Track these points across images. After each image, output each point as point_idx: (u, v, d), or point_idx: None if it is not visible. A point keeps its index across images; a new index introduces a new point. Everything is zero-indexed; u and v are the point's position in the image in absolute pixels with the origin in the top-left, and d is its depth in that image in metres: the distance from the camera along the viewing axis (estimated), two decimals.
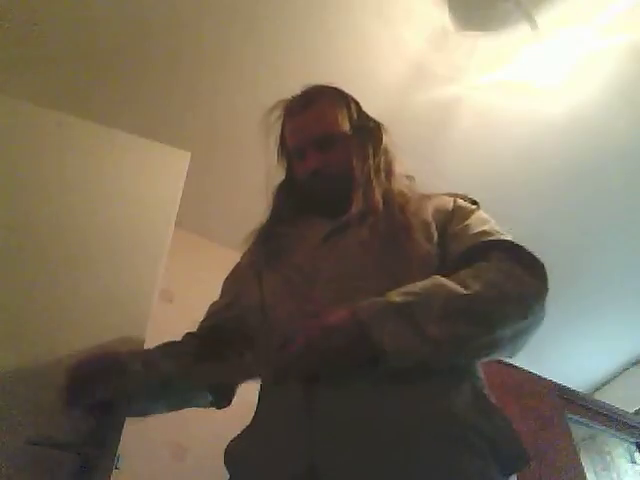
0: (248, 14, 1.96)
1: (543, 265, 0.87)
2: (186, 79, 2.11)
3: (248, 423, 0.91)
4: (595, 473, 2.33)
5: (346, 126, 1.04)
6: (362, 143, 1.04)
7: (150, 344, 1.30)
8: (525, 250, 0.89)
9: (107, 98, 2.10)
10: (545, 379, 2.26)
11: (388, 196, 0.98)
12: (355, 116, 1.07)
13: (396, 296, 0.78)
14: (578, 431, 2.26)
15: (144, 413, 1.06)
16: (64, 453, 1.05)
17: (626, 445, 2.51)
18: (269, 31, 2.00)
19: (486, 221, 0.94)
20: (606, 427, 2.42)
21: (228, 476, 0.86)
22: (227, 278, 1.16)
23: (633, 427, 2.52)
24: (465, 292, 0.79)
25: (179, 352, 1.01)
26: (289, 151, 1.10)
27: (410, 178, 1.07)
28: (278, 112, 1.10)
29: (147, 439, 1.90)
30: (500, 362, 2.00)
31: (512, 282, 0.83)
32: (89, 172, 1.46)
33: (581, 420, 2.30)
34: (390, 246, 0.90)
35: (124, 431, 1.14)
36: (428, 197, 1.01)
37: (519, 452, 0.78)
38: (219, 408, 1.05)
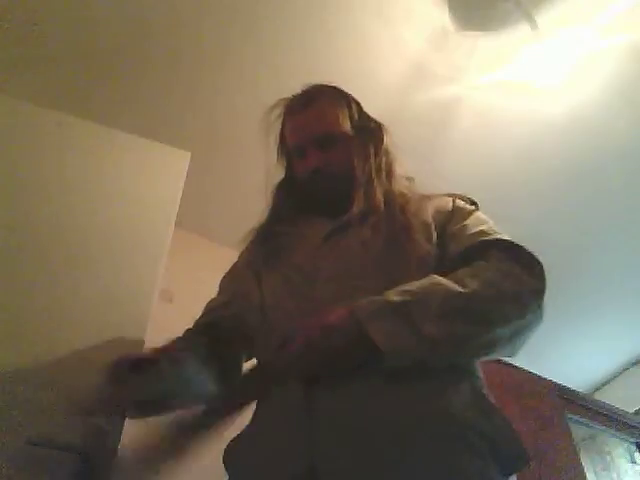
0: (248, 14, 1.95)
1: (541, 264, 0.87)
2: (186, 79, 2.11)
3: (247, 423, 0.91)
4: (595, 473, 2.33)
5: (347, 126, 1.04)
6: (363, 143, 1.04)
7: (150, 344, 1.30)
8: (523, 249, 0.89)
9: (107, 98, 2.09)
10: (545, 379, 2.26)
11: (389, 196, 0.98)
12: (356, 116, 1.07)
13: (394, 295, 0.78)
14: (578, 431, 2.26)
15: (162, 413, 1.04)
16: (64, 453, 1.05)
17: (626, 445, 2.51)
18: (269, 31, 2.00)
19: (485, 221, 0.95)
20: (606, 427, 2.42)
21: (227, 477, 0.86)
22: (225, 277, 1.16)
23: (633, 427, 2.52)
24: (463, 291, 0.79)
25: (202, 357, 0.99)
26: (289, 150, 1.10)
27: (410, 179, 1.08)
28: (278, 111, 1.10)
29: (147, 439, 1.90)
30: (500, 362, 2.00)
31: (510, 281, 0.83)
32: (89, 172, 1.46)
33: (581, 420, 2.30)
34: (391, 246, 0.90)
35: (124, 431, 1.14)
36: (428, 198, 1.02)
37: (519, 452, 0.78)
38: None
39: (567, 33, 1.98)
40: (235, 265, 1.16)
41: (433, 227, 0.93)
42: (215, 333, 1.04)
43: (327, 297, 0.86)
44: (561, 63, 2.07)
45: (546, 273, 0.87)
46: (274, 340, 0.86)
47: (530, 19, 1.90)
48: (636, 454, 2.49)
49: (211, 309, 1.10)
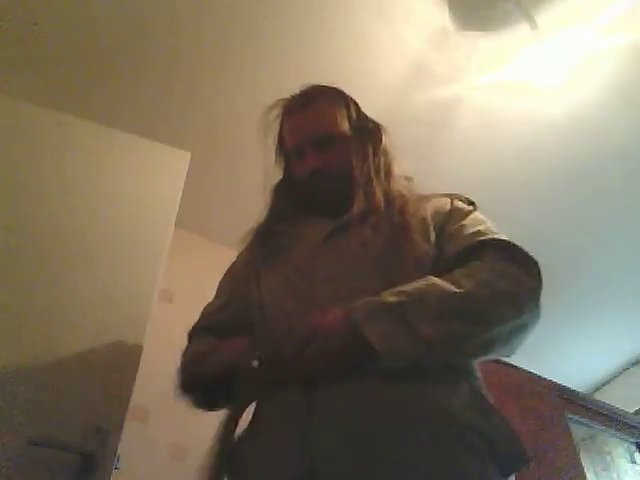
0: (248, 14, 1.95)
1: (537, 263, 0.87)
2: (186, 79, 2.11)
3: (247, 424, 0.90)
4: (595, 473, 2.33)
5: (345, 126, 1.04)
6: (362, 143, 1.04)
7: (150, 344, 1.30)
8: (519, 249, 0.89)
9: (107, 98, 2.09)
10: (545, 379, 2.26)
11: (388, 197, 0.98)
12: (354, 116, 1.07)
13: (389, 296, 0.78)
14: (578, 431, 2.26)
15: None
16: (64, 453, 1.05)
17: (626, 445, 2.51)
18: (269, 31, 2.00)
19: (482, 221, 0.94)
20: (606, 427, 2.42)
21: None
22: (223, 277, 1.16)
23: (633, 427, 2.52)
24: (458, 291, 0.79)
25: None
26: (287, 150, 1.10)
27: (409, 179, 1.07)
28: (277, 111, 1.10)
29: (147, 439, 1.90)
30: (499, 362, 2.00)
31: (506, 281, 0.83)
32: (89, 172, 1.46)
33: (581, 420, 2.30)
34: (390, 247, 0.90)
35: (124, 431, 1.14)
36: (426, 198, 1.01)
37: (518, 452, 0.78)
38: None
39: (567, 33, 1.98)
40: (234, 265, 1.16)
41: (432, 227, 0.93)
42: (215, 336, 1.04)
43: (327, 297, 0.86)
44: (561, 63, 2.07)
45: (544, 273, 0.87)
46: (272, 340, 0.86)
47: (530, 19, 1.90)
48: (636, 454, 2.49)
49: (208, 313, 1.10)
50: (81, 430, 1.08)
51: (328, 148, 1.02)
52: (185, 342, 1.06)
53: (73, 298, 1.27)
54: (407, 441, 0.71)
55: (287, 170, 1.13)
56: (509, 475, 0.77)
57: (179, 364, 0.99)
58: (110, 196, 1.45)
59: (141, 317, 1.30)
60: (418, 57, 2.07)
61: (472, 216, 0.96)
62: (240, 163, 2.30)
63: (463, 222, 0.94)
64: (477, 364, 0.88)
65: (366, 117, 1.10)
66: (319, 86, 1.11)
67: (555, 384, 2.27)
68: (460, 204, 1.00)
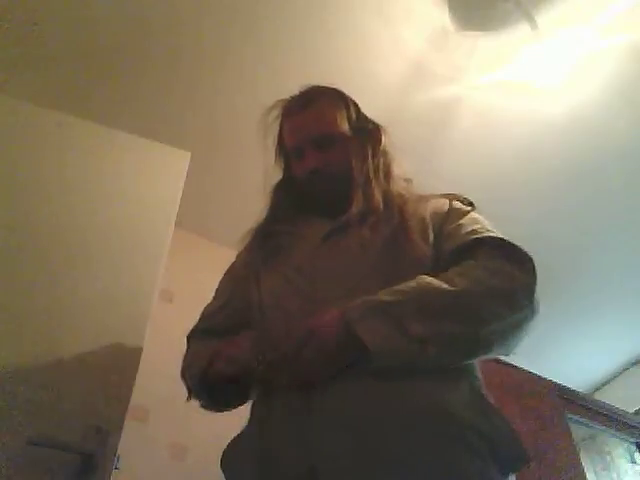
0: (248, 14, 1.95)
1: (531, 259, 0.87)
2: (186, 79, 2.11)
3: (246, 425, 0.90)
4: (595, 473, 2.33)
5: (345, 127, 1.05)
6: (361, 144, 1.04)
7: (150, 344, 1.30)
8: (513, 246, 0.89)
9: (107, 98, 2.09)
10: (545, 379, 2.26)
11: (387, 197, 0.98)
12: (354, 117, 1.07)
13: (382, 295, 0.79)
14: (578, 431, 2.25)
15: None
16: (64, 453, 1.06)
17: (626, 445, 2.51)
18: (269, 31, 2.00)
19: (478, 221, 0.94)
20: (606, 427, 2.42)
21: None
22: (223, 277, 1.16)
23: (633, 427, 2.52)
24: (450, 289, 0.79)
25: None
26: (287, 151, 1.10)
27: (408, 180, 1.08)
28: (276, 112, 1.10)
29: (147, 439, 1.90)
30: (500, 362, 2.00)
31: (499, 278, 0.83)
32: (89, 172, 1.46)
33: (581, 420, 2.30)
34: (389, 247, 0.90)
35: (124, 431, 1.14)
36: (425, 199, 1.02)
37: (518, 452, 0.78)
38: None
39: (567, 33, 1.98)
40: (233, 265, 1.16)
41: (430, 228, 0.94)
42: (215, 340, 1.04)
43: (327, 297, 0.86)
44: (561, 63, 2.07)
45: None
46: (271, 342, 0.86)
47: (530, 19, 1.90)
48: (636, 454, 2.49)
49: (207, 315, 1.10)
50: (81, 430, 1.08)
51: (328, 148, 1.02)
52: (185, 344, 1.07)
53: (73, 298, 1.27)
54: (407, 441, 0.71)
55: (287, 170, 1.13)
56: (509, 474, 0.77)
57: (181, 369, 0.98)
58: (110, 196, 1.45)
59: (141, 317, 1.30)
60: (418, 57, 2.07)
61: (469, 216, 0.96)
62: (240, 163, 2.30)
63: (460, 222, 0.94)
64: (477, 364, 0.88)
65: (366, 118, 1.11)
66: (319, 87, 1.11)
67: (555, 384, 2.27)
68: (458, 204, 1.00)
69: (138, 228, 1.43)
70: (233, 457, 0.87)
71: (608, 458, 2.44)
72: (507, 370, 2.08)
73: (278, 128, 1.10)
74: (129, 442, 1.24)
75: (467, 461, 0.71)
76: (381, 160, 1.04)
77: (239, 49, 2.04)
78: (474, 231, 0.91)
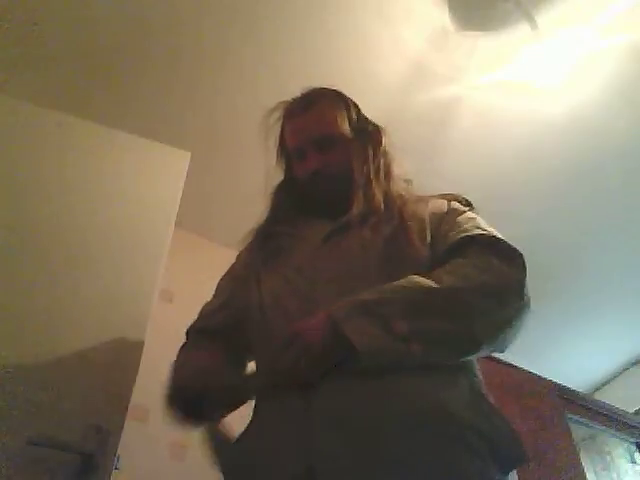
0: (248, 14, 1.96)
1: (521, 255, 0.87)
2: (186, 79, 2.11)
3: (247, 424, 0.90)
4: (595, 473, 2.33)
5: (346, 128, 1.05)
6: (362, 145, 1.04)
7: (150, 344, 1.30)
8: (502, 242, 0.89)
9: (107, 98, 2.09)
10: (545, 379, 2.26)
11: (387, 198, 0.98)
12: (355, 118, 1.08)
13: (369, 294, 0.79)
14: (578, 431, 2.26)
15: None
16: (64, 453, 1.05)
17: (626, 445, 2.51)
18: (269, 31, 2.00)
19: (471, 220, 0.94)
20: (606, 427, 2.42)
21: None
22: (222, 278, 1.16)
23: (633, 427, 2.52)
24: (437, 287, 0.79)
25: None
26: (288, 152, 1.11)
27: (408, 181, 1.08)
28: (278, 113, 1.10)
29: (147, 439, 1.90)
30: (500, 362, 2.00)
31: (488, 274, 0.83)
32: (89, 172, 1.46)
33: (581, 420, 2.30)
34: (390, 247, 0.90)
35: (124, 431, 1.14)
36: (425, 199, 1.02)
37: (518, 452, 0.78)
38: None
39: (567, 33, 1.98)
40: (233, 266, 1.16)
41: (428, 229, 0.94)
42: (213, 339, 1.04)
43: (327, 298, 0.86)
44: (561, 63, 2.07)
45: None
46: (272, 341, 0.86)
47: (530, 19, 1.90)
48: (636, 454, 2.49)
49: (206, 314, 1.10)
50: (81, 430, 1.08)
51: (329, 150, 1.02)
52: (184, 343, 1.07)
53: (73, 298, 1.27)
54: (407, 441, 0.71)
55: (288, 172, 1.13)
56: (509, 473, 0.77)
57: (169, 372, 0.97)
58: (110, 196, 1.44)
59: (141, 317, 1.30)
60: (418, 57, 2.07)
61: (464, 215, 0.96)
62: (240, 163, 2.31)
63: (454, 222, 0.94)
64: (476, 363, 0.88)
65: (366, 119, 1.11)
66: (320, 89, 1.11)
67: (555, 384, 2.27)
68: (457, 205, 1.00)
69: (138, 228, 1.43)
70: (233, 459, 0.87)
71: (608, 458, 2.44)
72: (507, 370, 2.08)
73: (280, 130, 1.11)
74: (129, 442, 1.23)
75: (467, 461, 0.71)
76: (381, 161, 1.05)
77: (239, 49, 2.04)
78: (465, 229, 0.91)
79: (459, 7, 1.93)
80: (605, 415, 2.42)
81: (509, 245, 0.89)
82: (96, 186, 1.45)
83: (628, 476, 2.42)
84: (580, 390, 2.69)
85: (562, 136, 2.32)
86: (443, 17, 1.96)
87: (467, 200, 1.04)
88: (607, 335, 3.28)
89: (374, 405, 0.75)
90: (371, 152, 1.04)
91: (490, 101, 2.19)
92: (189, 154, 1.62)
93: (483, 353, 0.83)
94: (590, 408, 2.37)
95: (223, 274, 1.17)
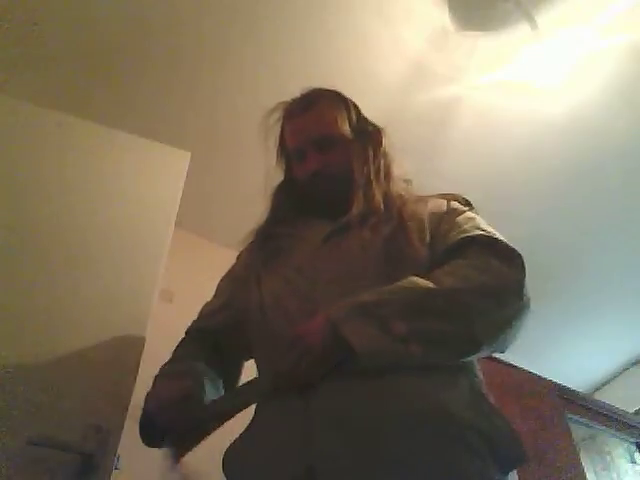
0: (248, 14, 1.96)
1: (520, 256, 0.87)
2: (186, 79, 2.11)
3: (244, 423, 0.90)
4: (595, 473, 2.33)
5: (346, 128, 1.05)
6: (362, 146, 1.04)
7: (150, 344, 1.30)
8: (501, 242, 0.89)
9: (107, 98, 2.09)
10: (545, 379, 2.26)
11: (387, 198, 0.98)
12: (355, 119, 1.08)
13: (368, 295, 0.79)
14: (578, 431, 2.26)
15: None
16: (64, 453, 1.05)
17: (626, 445, 2.51)
18: (269, 31, 2.00)
19: (470, 219, 0.94)
20: (606, 427, 2.42)
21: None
22: (223, 278, 1.16)
23: (633, 427, 2.52)
24: (436, 288, 0.79)
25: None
26: (288, 152, 1.11)
27: (407, 181, 1.08)
28: (278, 114, 1.10)
29: None
30: (500, 362, 2.00)
31: (487, 275, 0.83)
32: (89, 172, 1.46)
33: (581, 420, 2.30)
34: (389, 248, 0.90)
35: (124, 431, 1.14)
36: (425, 199, 1.02)
37: (518, 452, 0.78)
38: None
39: (567, 33, 1.98)
40: (233, 267, 1.16)
41: (427, 229, 0.94)
42: (211, 339, 1.04)
43: (327, 298, 0.86)
44: (561, 63, 2.07)
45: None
46: (273, 342, 0.86)
47: (530, 19, 1.90)
48: (636, 454, 2.49)
49: (206, 314, 1.10)
50: (81, 430, 1.08)
51: (329, 150, 1.02)
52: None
53: (73, 298, 1.27)
54: (407, 441, 0.71)
55: (288, 172, 1.13)
56: (508, 473, 0.77)
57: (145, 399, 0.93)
58: (110, 196, 1.44)
59: (141, 317, 1.30)
60: (418, 57, 2.07)
61: (463, 215, 0.96)
62: (240, 163, 2.31)
63: (453, 222, 0.94)
64: (477, 363, 0.88)
65: (366, 120, 1.11)
66: (320, 89, 1.11)
67: (555, 384, 2.27)
68: (456, 205, 1.00)
69: (138, 228, 1.43)
70: (235, 459, 0.87)
71: (608, 458, 2.44)
72: (507, 370, 2.08)
73: (280, 130, 1.11)
74: (129, 442, 1.23)
75: (467, 461, 0.71)
76: (381, 162, 1.05)
77: (239, 49, 2.04)
78: (464, 230, 0.91)
79: (459, 7, 1.93)
80: (605, 415, 2.42)
81: (508, 245, 0.89)
82: (96, 186, 1.44)
83: (628, 476, 2.42)
84: (580, 390, 2.69)
85: (562, 136, 2.32)
86: (443, 17, 1.96)
87: (467, 200, 1.04)
88: (607, 335, 3.29)
89: (374, 405, 0.75)
90: (371, 153, 1.04)
91: (490, 101, 2.19)
92: (189, 154, 1.62)
93: (483, 353, 0.83)
94: (590, 408, 2.38)
95: (223, 275, 1.17)
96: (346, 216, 0.96)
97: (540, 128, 2.29)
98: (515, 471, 0.80)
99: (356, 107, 1.11)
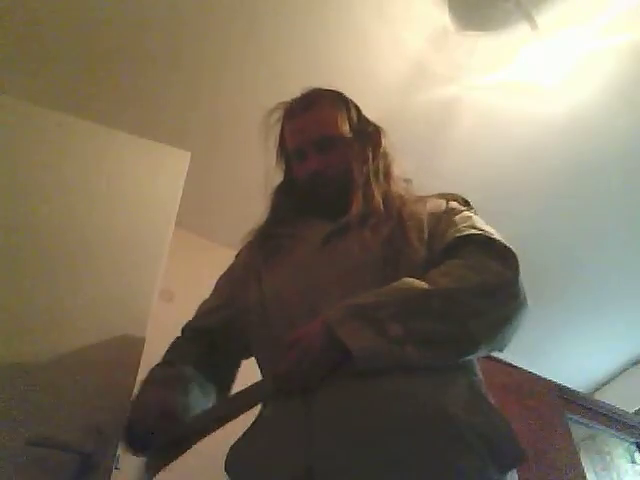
0: (248, 14, 1.96)
1: (515, 255, 0.87)
2: (186, 79, 2.11)
3: (248, 424, 0.90)
4: (595, 473, 2.33)
5: (346, 129, 1.05)
6: (362, 146, 1.04)
7: (150, 344, 1.30)
8: (497, 242, 0.89)
9: (107, 98, 2.10)
10: (545, 379, 2.26)
11: (387, 199, 0.98)
12: (355, 119, 1.07)
13: (364, 298, 0.79)
14: (578, 431, 2.26)
15: None
16: (64, 453, 1.05)
17: (626, 445, 2.51)
18: (269, 31, 2.00)
19: (467, 219, 0.94)
20: (606, 427, 2.42)
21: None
22: (221, 277, 1.16)
23: (633, 427, 2.52)
24: (431, 289, 0.79)
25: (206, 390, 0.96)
26: (288, 153, 1.10)
27: (407, 181, 1.08)
28: (278, 114, 1.10)
29: None
30: (500, 362, 2.00)
31: (482, 275, 0.83)
32: (89, 172, 1.46)
33: (581, 420, 2.30)
34: (389, 248, 0.90)
35: None
36: (424, 200, 1.02)
37: (517, 452, 0.78)
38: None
39: (567, 33, 1.98)
40: (232, 266, 1.16)
41: (426, 229, 0.94)
42: (207, 338, 1.05)
43: (328, 299, 0.86)
44: (561, 63, 2.07)
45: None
46: (273, 342, 0.86)
47: (530, 19, 1.90)
48: (636, 454, 2.49)
49: (204, 312, 1.10)
50: (81, 430, 1.08)
51: (329, 150, 1.02)
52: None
53: (73, 298, 1.27)
54: (406, 441, 0.71)
55: (288, 172, 1.13)
56: (507, 472, 0.77)
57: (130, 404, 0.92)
58: (110, 196, 1.44)
59: (141, 317, 1.30)
60: (418, 57, 2.07)
61: (461, 215, 0.96)
62: (240, 163, 2.31)
63: (451, 221, 0.94)
64: (476, 362, 0.88)
65: (366, 120, 1.11)
66: (320, 89, 1.11)
67: (555, 384, 2.27)
68: (454, 204, 1.00)
69: (138, 228, 1.43)
70: (236, 459, 0.87)
71: (608, 458, 2.44)
72: (507, 370, 2.08)
73: (280, 130, 1.11)
74: None
75: (466, 461, 0.71)
76: (381, 162, 1.05)
77: (239, 49, 2.04)
78: (460, 229, 0.91)
79: (459, 7, 1.93)
80: (605, 415, 2.42)
81: (504, 245, 0.89)
82: (96, 186, 1.44)
83: (628, 476, 2.42)
84: (580, 390, 2.69)
85: (562, 136, 2.32)
86: (443, 17, 1.96)
87: (466, 200, 1.04)
88: (607, 335, 3.29)
89: (373, 405, 0.75)
90: (371, 153, 1.04)
91: (490, 101, 2.19)
92: (189, 154, 1.62)
93: (482, 353, 0.83)
94: (590, 408, 2.37)
95: (222, 273, 1.17)
96: (346, 216, 0.96)
97: (540, 128, 2.29)
98: (515, 471, 0.80)
99: (356, 107, 1.11)
